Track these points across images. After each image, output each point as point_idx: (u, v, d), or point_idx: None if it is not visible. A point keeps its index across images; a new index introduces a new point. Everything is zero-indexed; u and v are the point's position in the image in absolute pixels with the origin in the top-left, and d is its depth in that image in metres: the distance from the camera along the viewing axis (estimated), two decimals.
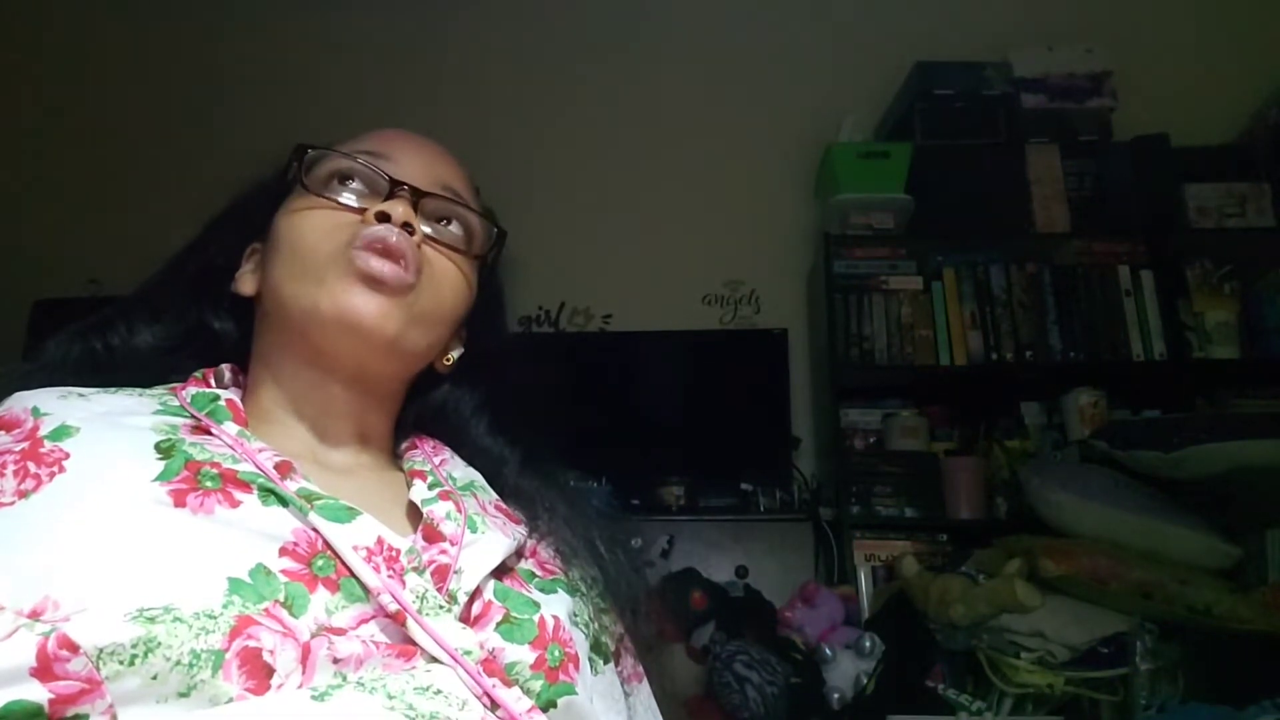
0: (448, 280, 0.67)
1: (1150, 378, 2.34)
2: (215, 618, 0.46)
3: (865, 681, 1.71)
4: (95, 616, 0.45)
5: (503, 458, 0.75)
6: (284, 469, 0.57)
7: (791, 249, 2.74)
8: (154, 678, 0.45)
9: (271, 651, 0.47)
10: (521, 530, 0.67)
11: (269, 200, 0.69)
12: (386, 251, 0.62)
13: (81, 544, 0.48)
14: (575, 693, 0.56)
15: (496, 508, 0.68)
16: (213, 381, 0.67)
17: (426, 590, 0.54)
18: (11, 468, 0.52)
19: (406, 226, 0.64)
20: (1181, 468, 1.69)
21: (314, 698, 0.47)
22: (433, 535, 0.59)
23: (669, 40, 2.88)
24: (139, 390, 0.64)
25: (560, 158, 2.83)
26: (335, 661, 0.49)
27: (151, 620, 0.45)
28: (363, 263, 0.61)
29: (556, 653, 0.57)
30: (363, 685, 0.48)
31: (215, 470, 0.55)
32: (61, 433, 0.55)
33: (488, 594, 0.58)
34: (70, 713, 0.44)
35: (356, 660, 0.49)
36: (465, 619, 0.55)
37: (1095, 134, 2.51)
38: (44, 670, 0.44)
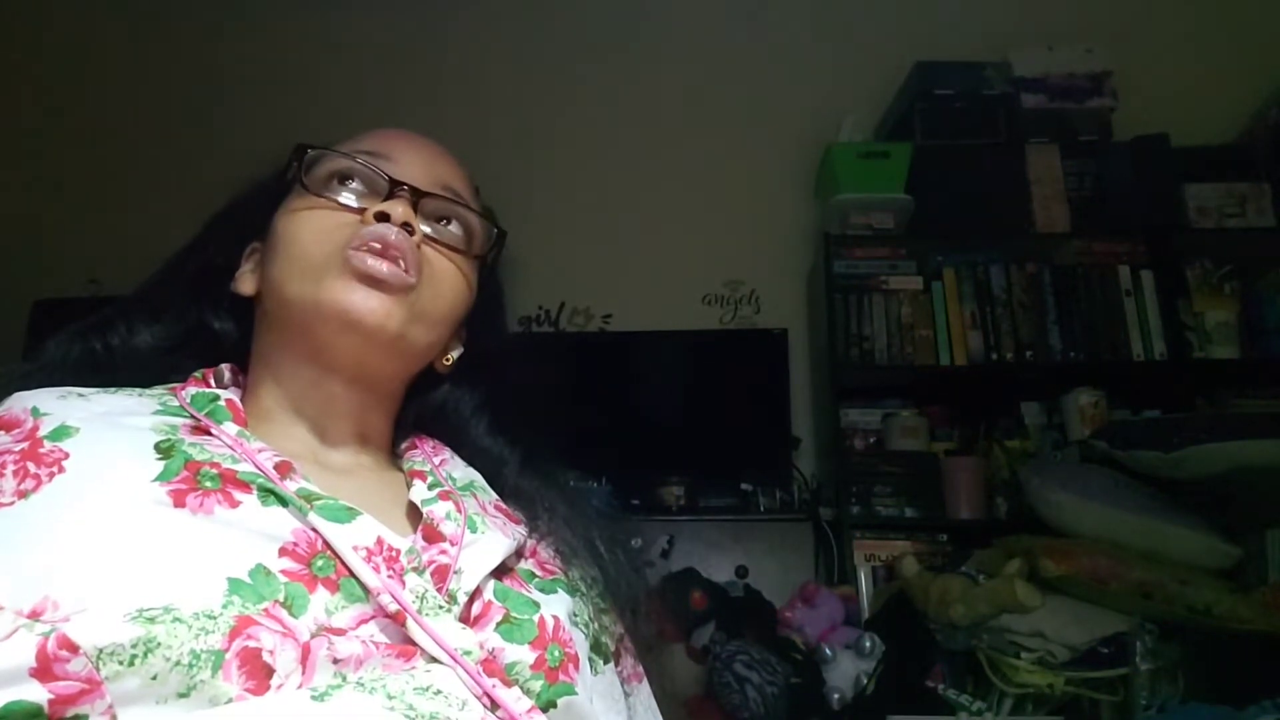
0: (447, 280, 0.67)
1: (1150, 378, 2.34)
2: (215, 618, 0.46)
3: (865, 681, 1.71)
4: (95, 617, 0.45)
5: (503, 458, 0.75)
6: (283, 469, 0.57)
7: (791, 249, 2.74)
8: (154, 678, 0.44)
9: (271, 652, 0.47)
10: (521, 530, 0.67)
11: (269, 200, 0.69)
12: (385, 250, 0.62)
13: (81, 544, 0.48)
14: (575, 693, 0.56)
15: (496, 508, 0.68)
16: (212, 381, 0.67)
17: (426, 590, 0.54)
18: (11, 468, 0.52)
19: (406, 226, 0.64)
20: (1181, 468, 1.69)
21: (314, 698, 0.47)
22: (432, 535, 0.59)
23: (669, 40, 2.88)
24: (139, 390, 0.64)
25: (560, 158, 2.83)
26: (335, 662, 0.49)
27: (151, 620, 0.45)
28: (359, 262, 0.61)
29: (556, 653, 0.57)
30: (362, 685, 0.48)
31: (215, 470, 0.55)
32: (61, 433, 0.55)
33: (488, 594, 0.58)
34: (70, 713, 0.44)
35: (356, 660, 0.49)
36: (465, 619, 0.55)
37: (1095, 134, 2.51)
38: (44, 670, 0.44)
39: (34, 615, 0.45)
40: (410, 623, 0.52)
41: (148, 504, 0.51)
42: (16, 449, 0.54)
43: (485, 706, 0.51)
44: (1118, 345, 2.30)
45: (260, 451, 0.58)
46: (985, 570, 1.72)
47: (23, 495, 0.51)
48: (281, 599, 0.49)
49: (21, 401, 0.58)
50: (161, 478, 0.53)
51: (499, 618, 0.57)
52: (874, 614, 1.98)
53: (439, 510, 0.61)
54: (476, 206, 0.72)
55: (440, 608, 0.54)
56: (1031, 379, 2.37)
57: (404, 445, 0.73)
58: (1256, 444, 1.67)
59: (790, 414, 2.52)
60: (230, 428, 0.60)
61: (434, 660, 0.52)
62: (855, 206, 2.46)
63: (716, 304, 2.74)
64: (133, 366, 0.67)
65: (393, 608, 0.52)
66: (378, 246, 0.62)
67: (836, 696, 1.69)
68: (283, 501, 0.55)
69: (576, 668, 0.57)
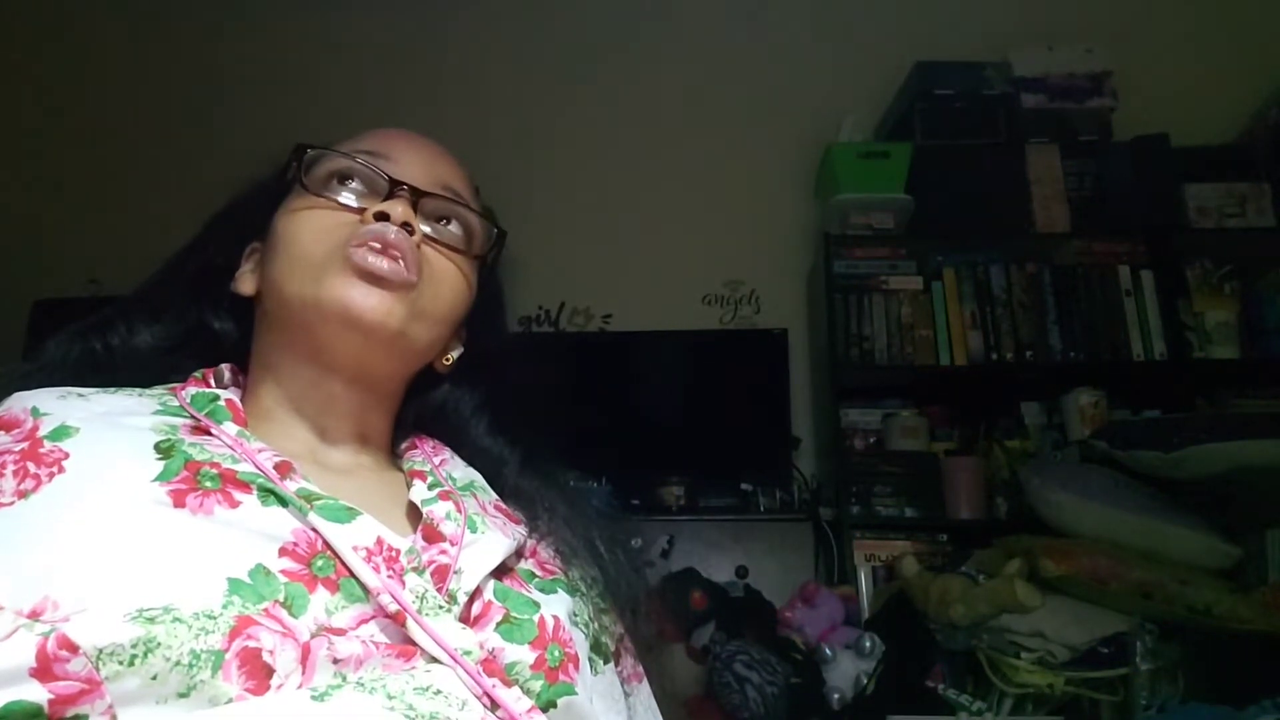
0: (447, 280, 0.67)
1: (1150, 378, 2.34)
2: (215, 618, 0.46)
3: (865, 681, 1.71)
4: (95, 617, 0.45)
5: (503, 458, 0.75)
6: (283, 469, 0.57)
7: (791, 249, 2.75)
8: (154, 678, 0.44)
9: (271, 652, 0.47)
10: (521, 530, 0.67)
11: (268, 200, 0.69)
12: (385, 248, 0.62)
13: (81, 544, 0.48)
14: (575, 693, 0.56)
15: (496, 508, 0.68)
16: (212, 381, 0.67)
17: (426, 590, 0.54)
18: (11, 468, 0.52)
19: (406, 226, 0.64)
20: (1181, 468, 1.69)
21: (314, 698, 0.47)
22: (432, 535, 0.59)
23: (669, 40, 2.88)
24: (138, 390, 0.64)
25: (560, 158, 2.83)
26: (335, 662, 0.49)
27: (151, 620, 0.45)
28: (360, 259, 0.61)
29: (556, 653, 0.57)
30: (362, 685, 0.48)
31: (215, 470, 0.55)
32: (61, 433, 0.55)
33: (487, 594, 0.58)
34: (70, 713, 0.44)
35: (356, 660, 0.49)
36: (465, 619, 0.55)
37: (1095, 134, 2.51)
38: (44, 670, 0.44)
39: (34, 615, 0.45)
40: (410, 623, 0.52)
41: (148, 504, 0.51)
42: (16, 449, 0.54)
43: (485, 706, 0.51)
44: (1118, 345, 2.30)
45: (260, 451, 0.58)
46: (985, 570, 1.72)
47: (23, 495, 0.51)
48: (281, 599, 0.49)
49: (21, 401, 0.58)
50: (161, 478, 0.53)
51: (499, 618, 0.57)
52: (874, 614, 1.98)
53: (439, 510, 0.61)
54: (476, 206, 0.72)
55: (440, 608, 0.54)
56: (1031, 379, 2.37)
57: (404, 445, 0.73)
58: (1256, 444, 1.67)
59: (790, 414, 2.52)
60: (230, 428, 0.60)
61: (434, 660, 0.52)
62: (855, 206, 2.46)
63: (716, 304, 2.74)
64: (133, 366, 0.67)
65: (393, 608, 0.52)
66: (377, 245, 0.62)
67: (836, 696, 1.69)
68: (283, 501, 0.55)
69: (576, 668, 0.57)
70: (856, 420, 2.46)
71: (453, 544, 0.58)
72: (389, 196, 0.65)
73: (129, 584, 0.47)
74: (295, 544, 0.53)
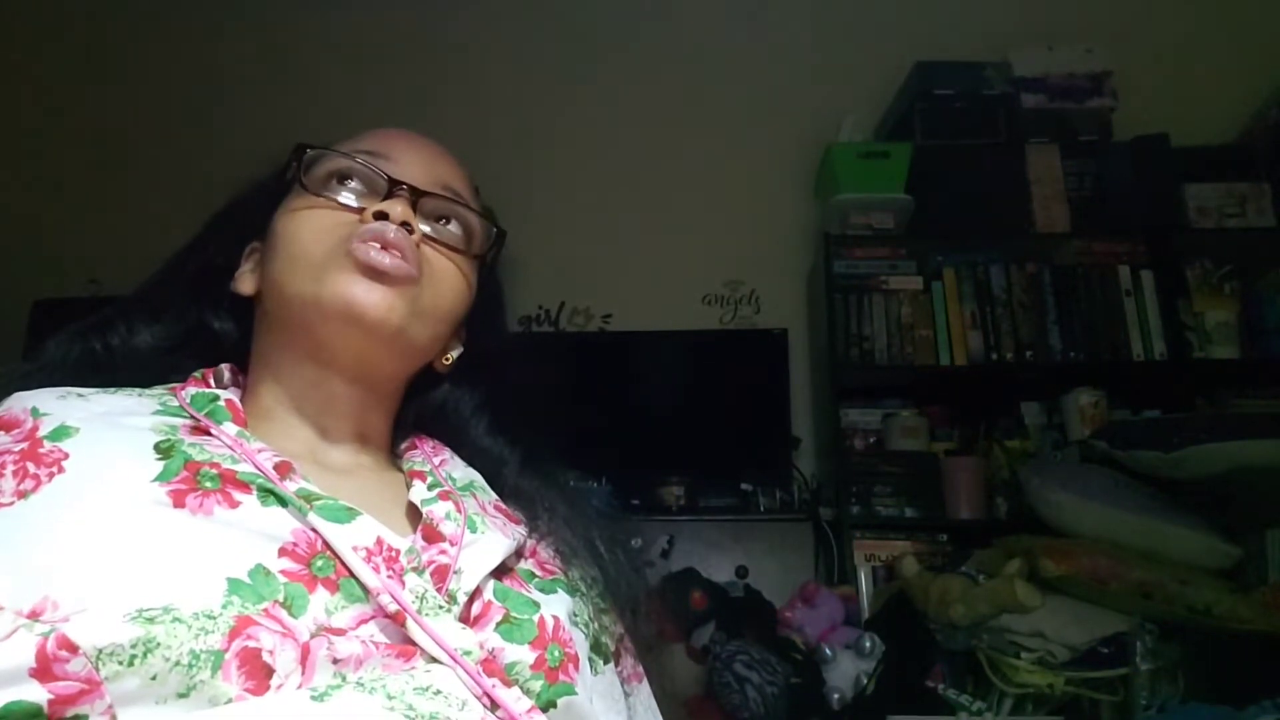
0: (447, 279, 0.67)
1: (1150, 378, 2.34)
2: (214, 618, 0.46)
3: (865, 681, 1.71)
4: (94, 617, 0.45)
5: (502, 458, 0.75)
6: (283, 469, 0.57)
7: (791, 249, 2.75)
8: (153, 678, 0.44)
9: (271, 652, 0.47)
10: (521, 530, 0.67)
11: (268, 200, 0.69)
12: (385, 247, 0.62)
13: (81, 544, 0.48)
14: (575, 693, 0.56)
15: (496, 508, 0.68)
16: (212, 382, 0.67)
17: (426, 590, 0.54)
18: (11, 468, 0.52)
19: (405, 225, 0.64)
20: (1181, 468, 1.69)
21: (314, 698, 0.47)
22: (432, 535, 0.59)
23: (669, 40, 2.88)
24: (138, 390, 0.64)
25: (560, 158, 2.83)
26: (335, 662, 0.49)
27: (151, 621, 0.45)
28: (363, 254, 0.61)
29: (556, 653, 0.57)
30: (362, 685, 0.48)
31: (214, 471, 0.55)
32: (61, 433, 0.55)
33: (487, 594, 0.58)
34: (69, 713, 0.44)
35: (356, 660, 0.49)
36: (465, 619, 0.55)
37: (1095, 134, 2.51)
38: (43, 671, 0.44)
39: (34, 615, 0.45)
40: (410, 623, 0.52)
41: (147, 504, 0.51)
42: (16, 449, 0.54)
43: (485, 706, 0.51)
44: (1118, 345, 2.30)
45: (260, 452, 0.58)
46: (985, 570, 1.72)
47: (22, 495, 0.51)
48: (281, 599, 0.49)
49: (21, 401, 0.58)
50: (161, 478, 0.53)
51: (499, 618, 0.57)
52: (874, 614, 1.98)
53: (439, 510, 0.61)
54: (476, 206, 0.72)
55: (440, 608, 0.54)
56: (1031, 379, 2.37)
57: (404, 445, 0.73)
58: (1256, 444, 1.67)
59: (790, 414, 2.52)
60: (230, 428, 0.60)
61: (434, 660, 0.51)
62: (855, 206, 2.46)
63: (716, 304, 2.74)
64: (133, 366, 0.67)
65: (392, 608, 0.52)
66: (379, 242, 0.62)
67: (836, 696, 1.69)
68: (282, 502, 0.55)
69: (576, 668, 0.57)
70: (856, 420, 2.46)
71: (452, 544, 0.58)
72: (388, 196, 0.65)
73: (129, 584, 0.47)
74: (295, 544, 0.52)
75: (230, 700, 0.46)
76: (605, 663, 0.63)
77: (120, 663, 0.44)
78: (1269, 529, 1.69)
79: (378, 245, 0.62)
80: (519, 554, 0.65)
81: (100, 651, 0.44)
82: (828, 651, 1.75)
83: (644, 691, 0.71)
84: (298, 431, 0.66)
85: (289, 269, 0.64)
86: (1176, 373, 2.30)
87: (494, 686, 0.52)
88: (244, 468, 0.56)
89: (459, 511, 0.62)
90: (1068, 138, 2.48)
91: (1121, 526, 1.69)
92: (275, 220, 0.67)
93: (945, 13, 2.75)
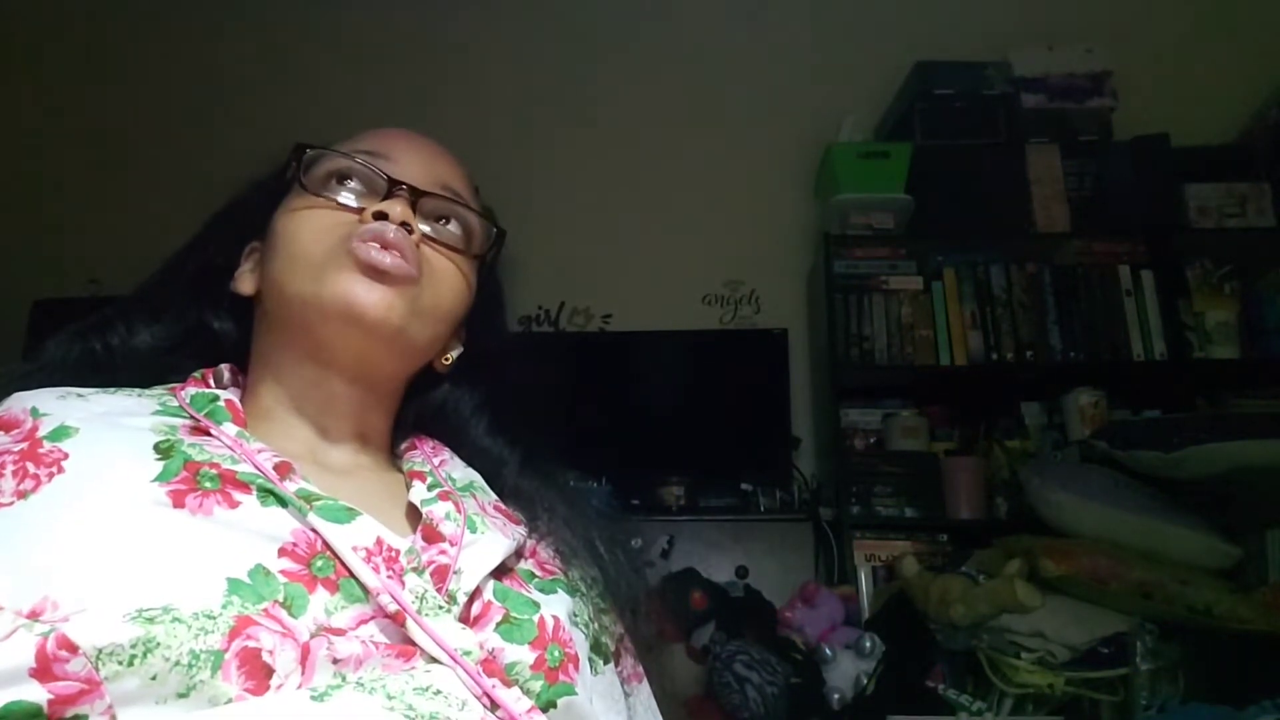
0: (447, 279, 0.67)
1: (1150, 378, 2.34)
2: (214, 618, 0.46)
3: (865, 681, 1.71)
4: (94, 617, 0.45)
5: (502, 458, 0.75)
6: (283, 470, 0.57)
7: (791, 249, 2.74)
8: (153, 678, 0.44)
9: (271, 652, 0.47)
10: (521, 530, 0.67)
11: (268, 200, 0.69)
12: (384, 247, 0.62)
13: (80, 544, 0.48)
14: (575, 693, 0.56)
15: (496, 508, 0.68)
16: (212, 382, 0.67)
17: (426, 590, 0.54)
18: (10, 468, 0.52)
19: (404, 225, 0.64)
20: (1181, 468, 1.69)
21: (313, 698, 0.47)
22: (432, 536, 0.59)
23: (669, 40, 2.88)
24: (138, 390, 0.64)
25: (560, 158, 2.83)
26: (335, 662, 0.49)
27: (150, 621, 0.45)
28: (363, 253, 0.61)
29: (556, 653, 0.57)
30: (362, 685, 0.48)
31: (214, 471, 0.55)
32: (60, 433, 0.55)
33: (487, 594, 0.58)
34: (69, 713, 0.44)
35: (356, 660, 0.49)
36: (465, 619, 0.55)
37: (1095, 134, 2.51)
38: (43, 671, 0.44)
39: (33, 615, 0.45)
40: (410, 623, 0.52)
41: (147, 504, 0.51)
42: (16, 449, 0.54)
43: (485, 707, 0.51)
44: (1118, 345, 2.30)
45: (260, 452, 0.58)
46: (985, 570, 1.72)
47: (22, 495, 0.51)
48: (281, 599, 0.49)
49: (21, 402, 0.58)
50: (161, 478, 0.53)
51: (499, 618, 0.57)
52: (874, 614, 1.98)
53: (438, 510, 0.61)
54: (476, 206, 0.72)
55: (440, 608, 0.54)
56: (1031, 379, 2.37)
57: (404, 446, 0.73)
58: (1256, 444, 1.67)
59: (790, 414, 2.52)
60: (230, 428, 0.60)
61: (434, 660, 0.51)
62: (855, 206, 2.46)
63: (716, 304, 2.74)
64: (132, 366, 0.67)
65: (392, 608, 0.52)
66: (378, 242, 0.62)
67: (836, 696, 1.69)
68: (282, 502, 0.55)
69: (576, 668, 0.57)
70: (856, 420, 2.46)
71: (452, 544, 0.58)
72: (388, 196, 0.65)
73: (128, 584, 0.47)
74: (295, 544, 0.52)
75: (230, 700, 0.45)
76: (605, 663, 0.63)
77: (120, 663, 0.44)
78: (1269, 529, 1.69)
79: (377, 245, 0.62)
80: (519, 554, 0.65)
81: (100, 651, 0.44)
82: (828, 651, 1.75)
83: (644, 691, 0.71)
84: (297, 432, 0.66)
85: (289, 269, 0.64)
86: (1176, 373, 2.30)
87: (494, 687, 0.52)
88: (244, 468, 0.56)
89: (459, 512, 0.62)
90: (1068, 138, 2.48)
91: (1121, 526, 1.69)
92: (275, 220, 0.67)
93: (945, 13, 2.75)
